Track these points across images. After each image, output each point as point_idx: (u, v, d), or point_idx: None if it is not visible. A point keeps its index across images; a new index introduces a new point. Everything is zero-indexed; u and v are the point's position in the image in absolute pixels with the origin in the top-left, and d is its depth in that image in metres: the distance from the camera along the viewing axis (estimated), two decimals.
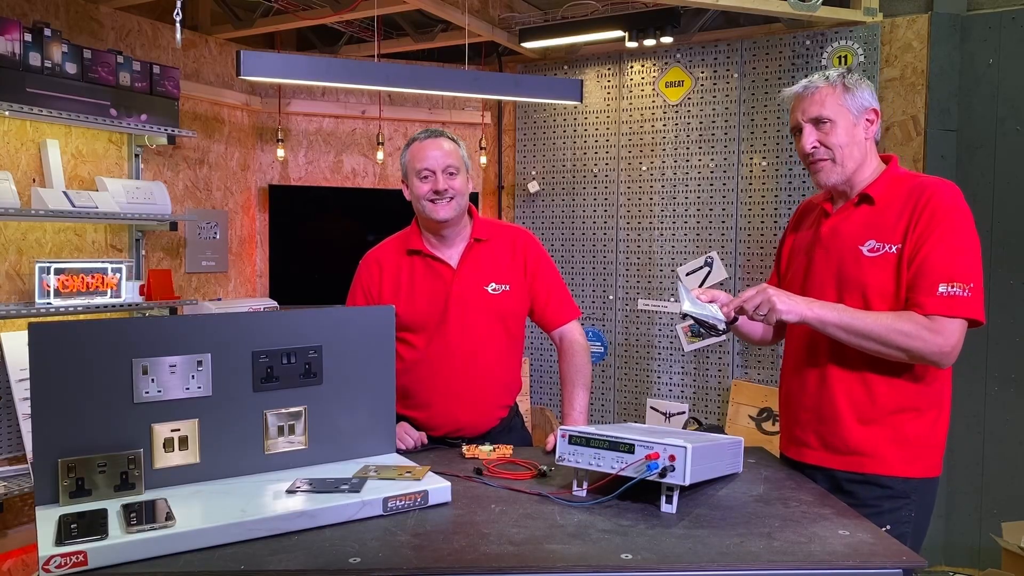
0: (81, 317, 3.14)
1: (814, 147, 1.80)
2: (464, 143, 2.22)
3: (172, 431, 1.53)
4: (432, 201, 2.07)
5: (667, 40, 3.96)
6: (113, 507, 1.40)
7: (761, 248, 3.99)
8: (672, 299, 4.23)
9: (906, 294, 1.69)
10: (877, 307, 1.71)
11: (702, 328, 1.83)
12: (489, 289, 2.14)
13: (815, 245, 1.87)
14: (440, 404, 2.13)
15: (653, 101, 4.28)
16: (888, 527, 1.63)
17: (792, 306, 1.69)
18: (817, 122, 1.80)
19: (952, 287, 1.64)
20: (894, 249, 1.71)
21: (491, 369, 2.16)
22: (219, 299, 4.06)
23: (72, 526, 1.30)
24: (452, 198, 2.08)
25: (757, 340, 2.08)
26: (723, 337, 1.87)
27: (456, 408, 2.13)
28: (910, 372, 1.73)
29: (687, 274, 4.17)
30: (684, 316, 1.83)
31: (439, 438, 2.13)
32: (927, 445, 1.76)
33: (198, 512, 1.39)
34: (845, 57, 3.75)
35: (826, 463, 1.80)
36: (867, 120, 1.81)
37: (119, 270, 3.31)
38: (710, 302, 1.84)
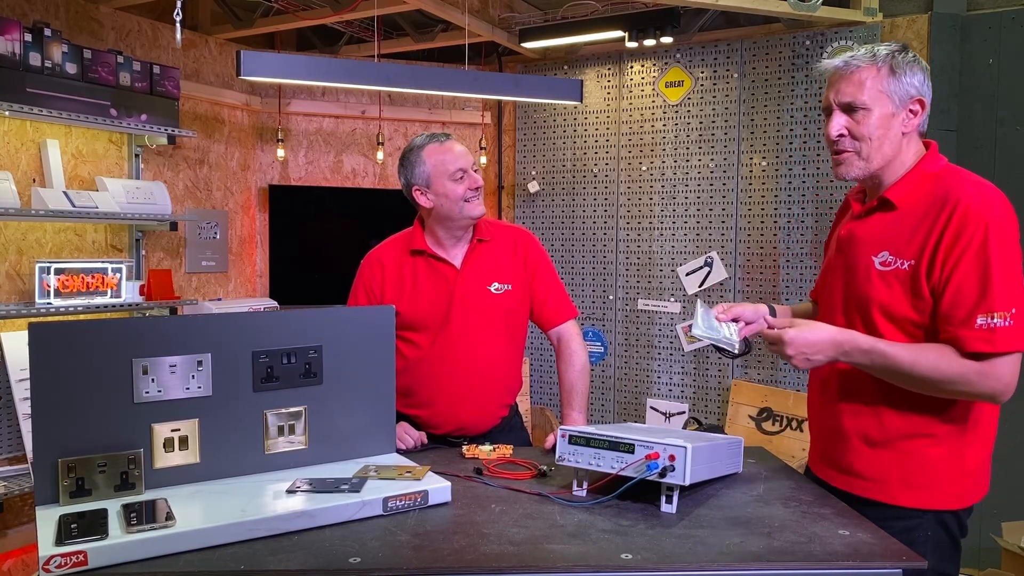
0: (81, 317, 3.14)
1: (840, 135, 1.60)
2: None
3: (172, 431, 1.53)
4: (469, 200, 2.11)
5: (667, 40, 3.96)
6: (113, 507, 1.40)
7: (761, 248, 3.99)
8: (672, 298, 4.23)
9: (939, 327, 1.52)
10: (881, 326, 1.57)
11: (717, 351, 1.76)
12: (492, 289, 2.15)
13: (836, 249, 1.72)
14: (443, 403, 2.13)
15: (653, 101, 4.28)
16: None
17: (817, 362, 1.55)
18: (850, 108, 1.59)
19: (991, 318, 1.45)
20: (906, 265, 1.54)
21: (493, 368, 2.16)
22: (219, 299, 4.06)
23: (72, 526, 1.30)
24: (482, 194, 2.15)
25: None
26: (739, 357, 1.80)
27: (458, 407, 2.13)
28: (925, 397, 1.55)
29: (687, 274, 4.17)
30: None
31: (441, 437, 2.14)
32: (944, 476, 1.57)
33: (198, 512, 1.39)
34: None
35: (834, 482, 1.69)
36: (910, 111, 1.59)
37: (119, 270, 3.31)
38: (733, 320, 1.75)
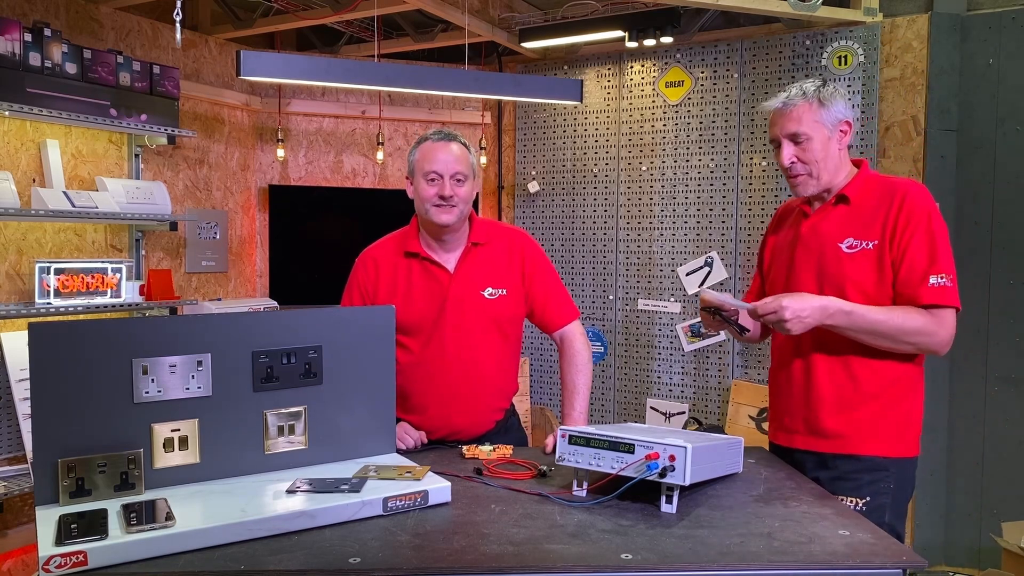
0: (81, 317, 3.14)
1: (792, 162, 1.90)
2: (473, 148, 2.20)
3: (172, 431, 1.53)
4: (436, 206, 2.05)
5: (667, 40, 3.96)
6: (113, 507, 1.40)
7: None
8: (672, 299, 4.23)
9: (897, 290, 1.81)
10: (855, 299, 1.81)
11: (729, 327, 1.92)
12: (485, 294, 2.13)
13: (796, 243, 1.96)
14: (435, 408, 2.12)
15: (653, 101, 4.28)
16: (868, 498, 1.80)
17: (807, 325, 1.76)
18: (794, 138, 1.89)
19: (941, 278, 1.76)
20: (871, 245, 1.83)
21: (487, 373, 2.15)
22: (219, 299, 4.06)
23: (72, 526, 1.30)
24: (455, 205, 2.06)
25: (746, 338, 2.12)
26: (722, 336, 1.97)
27: (452, 412, 2.12)
28: (892, 361, 1.83)
29: (687, 274, 4.17)
30: (712, 311, 1.91)
31: (436, 441, 2.12)
32: (905, 428, 1.86)
33: (198, 512, 1.39)
34: (845, 57, 3.75)
35: (812, 446, 1.90)
36: (840, 131, 1.91)
37: (119, 270, 3.31)
38: None
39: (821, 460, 1.87)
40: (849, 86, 3.69)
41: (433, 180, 2.06)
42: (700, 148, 4.15)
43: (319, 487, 1.52)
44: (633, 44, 3.99)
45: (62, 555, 1.22)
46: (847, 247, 1.86)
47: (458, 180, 2.06)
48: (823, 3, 3.49)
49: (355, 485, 1.52)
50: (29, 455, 2.98)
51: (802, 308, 1.74)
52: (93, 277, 3.22)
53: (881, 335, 1.77)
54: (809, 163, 1.89)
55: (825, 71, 3.74)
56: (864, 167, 1.95)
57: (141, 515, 1.35)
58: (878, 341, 1.78)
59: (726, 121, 4.08)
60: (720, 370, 4.12)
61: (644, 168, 4.31)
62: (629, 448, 1.50)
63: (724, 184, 4.09)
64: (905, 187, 1.85)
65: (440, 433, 2.13)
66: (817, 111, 1.88)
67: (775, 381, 2.04)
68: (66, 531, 1.27)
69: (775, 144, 1.95)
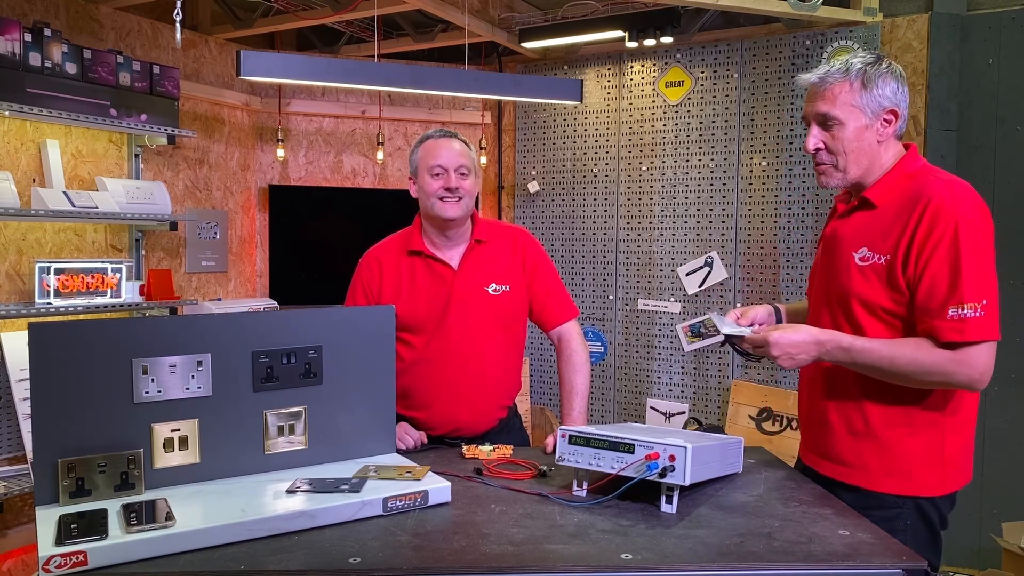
0: (81, 317, 3.14)
1: (816, 148, 1.70)
2: (473, 147, 2.24)
3: (172, 431, 1.53)
4: (442, 199, 2.08)
5: (667, 40, 3.96)
6: (113, 507, 1.40)
7: (761, 248, 3.99)
8: (672, 299, 4.23)
9: (917, 318, 1.59)
10: (861, 317, 1.64)
11: (737, 351, 1.78)
12: (490, 290, 2.15)
13: (823, 248, 1.81)
14: (439, 405, 2.13)
15: (653, 101, 4.28)
16: None
17: (801, 361, 1.62)
18: (823, 120, 1.67)
19: (962, 309, 1.52)
20: (883, 260, 1.62)
21: (491, 370, 2.16)
22: (219, 299, 4.06)
23: (72, 526, 1.30)
24: (461, 198, 2.09)
25: None
26: (722, 336, 1.82)
27: (455, 409, 2.13)
28: (908, 391, 1.62)
29: (687, 274, 4.17)
30: (724, 342, 1.78)
31: (438, 438, 2.13)
32: (924, 464, 1.64)
33: (198, 512, 1.39)
34: None
35: (819, 468, 1.77)
36: (884, 121, 1.66)
37: (119, 270, 3.31)
38: (749, 325, 1.80)
39: (830, 489, 1.67)
40: None
41: (438, 174, 2.09)
42: (700, 148, 4.15)
43: (319, 487, 1.52)
44: (633, 44, 3.99)
45: (62, 555, 1.22)
46: (860, 259, 1.65)
47: (462, 173, 2.10)
48: (823, 3, 3.49)
49: (355, 485, 1.52)
50: (29, 455, 2.98)
51: (791, 343, 1.60)
52: (93, 277, 3.22)
53: (889, 375, 1.57)
54: (836, 153, 1.67)
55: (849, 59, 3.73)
56: (906, 157, 1.70)
57: (141, 515, 1.35)
58: (891, 380, 1.59)
59: (726, 121, 4.08)
60: (720, 370, 4.12)
61: (644, 168, 4.31)
62: (629, 448, 1.50)
63: (724, 184, 4.09)
64: (932, 192, 1.58)
65: (444, 430, 2.14)
66: (856, 93, 1.63)
67: (799, 391, 1.90)
68: (66, 531, 1.27)
69: (806, 122, 1.73)
